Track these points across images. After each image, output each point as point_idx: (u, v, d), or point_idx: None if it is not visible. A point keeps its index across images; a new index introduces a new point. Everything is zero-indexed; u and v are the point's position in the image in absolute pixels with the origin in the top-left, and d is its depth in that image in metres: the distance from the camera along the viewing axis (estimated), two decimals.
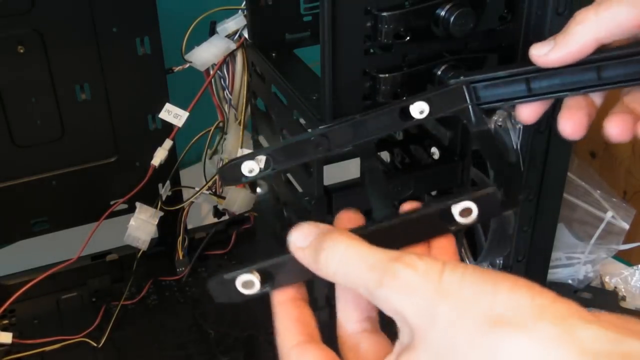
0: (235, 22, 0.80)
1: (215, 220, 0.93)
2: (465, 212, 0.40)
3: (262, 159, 0.45)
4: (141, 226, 0.80)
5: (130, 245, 0.81)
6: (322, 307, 0.74)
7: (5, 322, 0.81)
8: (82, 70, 0.78)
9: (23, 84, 0.76)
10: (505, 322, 0.31)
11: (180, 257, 0.87)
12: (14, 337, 0.77)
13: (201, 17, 0.79)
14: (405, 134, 0.80)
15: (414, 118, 0.46)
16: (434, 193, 0.75)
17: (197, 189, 0.84)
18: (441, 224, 0.40)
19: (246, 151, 0.81)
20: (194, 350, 0.78)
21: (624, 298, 0.89)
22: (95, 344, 0.78)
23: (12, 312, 0.82)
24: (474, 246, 0.79)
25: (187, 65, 0.80)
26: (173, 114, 0.79)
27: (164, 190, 0.82)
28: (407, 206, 0.42)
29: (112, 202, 0.82)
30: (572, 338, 0.30)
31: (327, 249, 0.37)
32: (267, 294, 0.40)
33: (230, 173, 0.46)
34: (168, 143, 0.80)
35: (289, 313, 0.39)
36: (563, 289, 0.88)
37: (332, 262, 0.37)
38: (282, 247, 0.39)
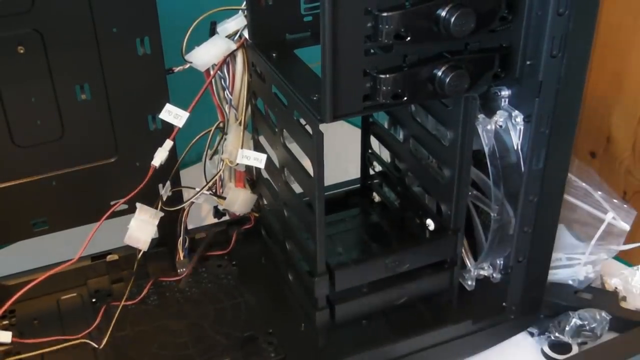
0: (236, 23, 0.80)
1: (216, 220, 0.93)
2: None
3: None
4: (141, 226, 0.80)
5: (130, 245, 0.81)
6: (323, 307, 0.74)
7: (6, 322, 0.81)
8: (82, 70, 0.78)
9: (23, 84, 0.76)
10: None
11: (181, 258, 0.87)
12: (13, 337, 0.77)
13: (201, 17, 0.79)
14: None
15: None
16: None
17: (197, 189, 0.84)
18: None
19: (246, 151, 0.81)
20: (194, 350, 0.77)
21: (624, 298, 0.89)
22: (95, 345, 0.78)
23: (12, 313, 0.82)
24: (474, 247, 0.79)
25: (187, 65, 0.80)
26: (173, 115, 0.79)
27: (165, 191, 0.82)
28: None
29: (112, 203, 0.82)
30: None
31: None
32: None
33: None
34: (168, 143, 0.80)
35: None
36: (563, 290, 0.88)
37: None
38: None
